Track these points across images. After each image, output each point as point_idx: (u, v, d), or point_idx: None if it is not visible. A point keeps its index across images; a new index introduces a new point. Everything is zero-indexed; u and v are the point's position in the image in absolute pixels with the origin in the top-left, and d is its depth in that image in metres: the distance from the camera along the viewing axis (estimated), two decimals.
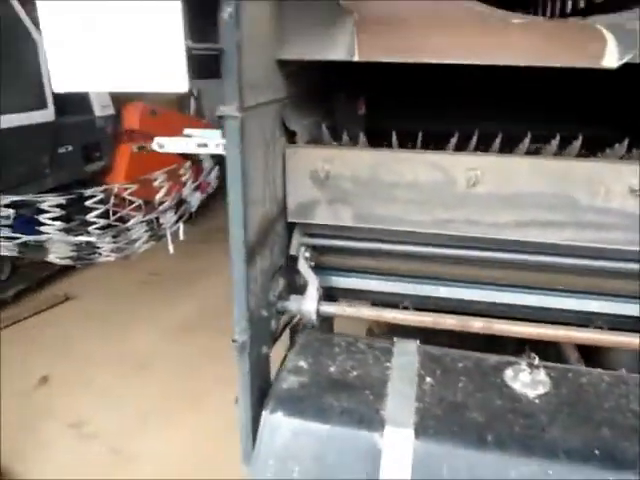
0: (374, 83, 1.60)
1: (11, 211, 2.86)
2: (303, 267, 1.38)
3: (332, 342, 1.40)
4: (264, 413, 1.19)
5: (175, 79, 0.84)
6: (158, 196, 3.88)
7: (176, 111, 6.55)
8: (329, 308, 1.36)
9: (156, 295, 4.52)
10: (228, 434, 2.90)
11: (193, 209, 4.32)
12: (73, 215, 3.21)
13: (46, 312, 4.24)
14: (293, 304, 1.36)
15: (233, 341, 1.17)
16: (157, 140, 1.23)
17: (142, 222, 3.73)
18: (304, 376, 1.28)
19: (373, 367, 1.32)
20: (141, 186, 3.81)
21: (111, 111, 4.96)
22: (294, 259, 1.45)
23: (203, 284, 4.77)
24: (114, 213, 3.49)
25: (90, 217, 3.23)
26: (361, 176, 1.27)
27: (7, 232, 2.85)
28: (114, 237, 3.42)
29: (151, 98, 5.72)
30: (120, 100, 5.25)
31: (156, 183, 3.87)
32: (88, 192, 3.20)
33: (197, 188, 4.43)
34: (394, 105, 1.63)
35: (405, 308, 1.61)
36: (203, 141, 1.18)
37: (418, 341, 1.38)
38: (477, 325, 1.31)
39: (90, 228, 3.23)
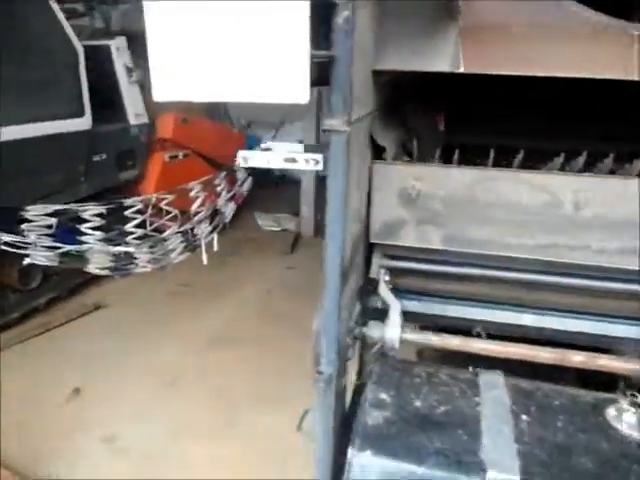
0: (453, 95, 1.51)
1: (53, 220, 2.82)
2: (384, 291, 1.29)
3: (412, 372, 1.31)
4: (350, 451, 1.09)
5: (296, 89, 0.76)
6: (194, 206, 3.83)
7: (205, 119, 6.52)
8: (413, 336, 1.26)
9: (187, 306, 4.46)
10: (262, 453, 2.83)
11: (227, 220, 4.26)
12: (112, 225, 3.16)
13: (76, 321, 4.19)
14: (374, 331, 1.26)
15: (319, 373, 1.08)
16: (241, 153, 1.15)
17: (178, 233, 3.67)
18: (388, 410, 1.18)
19: (461, 402, 1.22)
20: (177, 196, 3.76)
21: (145, 119, 4.94)
22: (370, 282, 1.36)
23: (235, 295, 4.70)
24: (151, 223, 3.44)
25: (128, 227, 3.18)
26: (455, 196, 1.18)
27: (49, 242, 2.81)
28: (151, 247, 3.36)
29: (182, 106, 5.69)
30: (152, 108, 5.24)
31: (192, 193, 3.81)
32: (128, 202, 3.15)
33: (231, 199, 4.38)
34: (471, 119, 1.54)
35: (478, 335, 1.51)
36: (291, 156, 1.11)
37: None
38: (577, 359, 1.21)
39: (128, 238, 3.18)
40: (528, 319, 1.39)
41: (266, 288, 4.97)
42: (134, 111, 4.82)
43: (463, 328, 1.48)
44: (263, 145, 1.25)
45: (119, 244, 3.11)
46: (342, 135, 0.91)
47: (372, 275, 1.32)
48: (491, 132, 1.48)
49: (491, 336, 1.43)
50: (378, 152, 1.25)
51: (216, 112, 6.99)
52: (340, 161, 0.93)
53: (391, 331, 1.25)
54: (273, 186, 6.93)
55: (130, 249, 3.12)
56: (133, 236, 3.22)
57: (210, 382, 3.48)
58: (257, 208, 6.83)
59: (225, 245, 4.66)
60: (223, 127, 6.72)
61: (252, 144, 7.19)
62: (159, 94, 0.85)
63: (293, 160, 1.10)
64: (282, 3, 0.73)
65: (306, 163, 1.09)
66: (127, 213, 3.19)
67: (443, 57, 1.07)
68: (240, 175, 4.64)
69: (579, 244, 1.16)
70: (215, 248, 3.97)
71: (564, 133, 1.37)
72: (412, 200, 1.20)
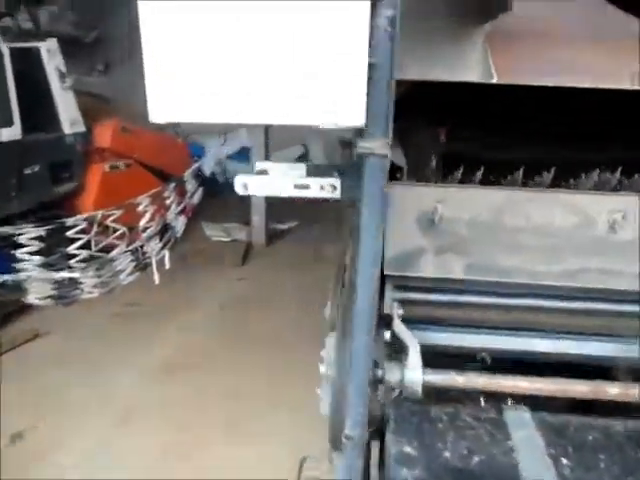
0: (452, 107, 1.39)
1: None
2: (400, 328, 1.15)
3: (431, 415, 1.17)
4: None
5: (348, 110, 0.60)
6: (142, 222, 3.55)
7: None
8: (437, 378, 1.12)
9: (136, 330, 4.09)
10: None
11: (178, 234, 4.00)
12: (52, 248, 2.84)
13: (12, 352, 3.75)
14: (393, 374, 1.11)
15: (347, 438, 0.92)
16: (239, 179, 0.97)
17: (126, 252, 3.38)
18: (417, 467, 1.04)
19: (493, 447, 1.10)
20: (124, 211, 3.46)
21: (82, 128, 4.56)
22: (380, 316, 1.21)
23: (185, 315, 4.39)
24: (96, 243, 3.13)
25: (71, 249, 2.86)
26: (479, 219, 1.06)
27: None
28: (97, 270, 3.06)
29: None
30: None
31: (140, 208, 3.53)
32: (70, 221, 2.83)
33: (181, 212, 4.11)
34: (475, 130, 1.43)
35: (483, 360, 1.41)
36: (303, 182, 0.94)
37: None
38: (613, 392, 1.12)
39: (72, 262, 2.87)
40: (543, 345, 1.30)
41: (218, 303, 4.71)
42: (69, 119, 4.44)
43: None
44: (257, 167, 1.07)
45: (61, 269, 2.79)
46: (382, 160, 0.75)
47: (386, 311, 1.17)
48: (500, 145, 1.37)
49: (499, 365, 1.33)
50: (391, 171, 1.10)
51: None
52: (378, 189, 0.77)
53: (412, 374, 1.10)
54: (221, 194, 6.64)
55: (74, 274, 2.81)
56: (77, 259, 2.91)
57: (171, 414, 3.20)
58: (205, 218, 6.53)
59: (173, 258, 4.35)
60: (166, 135, 6.37)
61: (197, 153, 6.89)
62: (156, 115, 0.66)
63: (305, 187, 0.93)
64: (337, 4, 0.56)
65: (320, 190, 0.93)
66: (69, 234, 2.87)
67: (471, 66, 0.94)
68: (190, 186, 4.38)
69: (611, 269, 1.07)
70: (167, 266, 3.71)
71: (589, 147, 1.28)
72: (432, 225, 1.06)
